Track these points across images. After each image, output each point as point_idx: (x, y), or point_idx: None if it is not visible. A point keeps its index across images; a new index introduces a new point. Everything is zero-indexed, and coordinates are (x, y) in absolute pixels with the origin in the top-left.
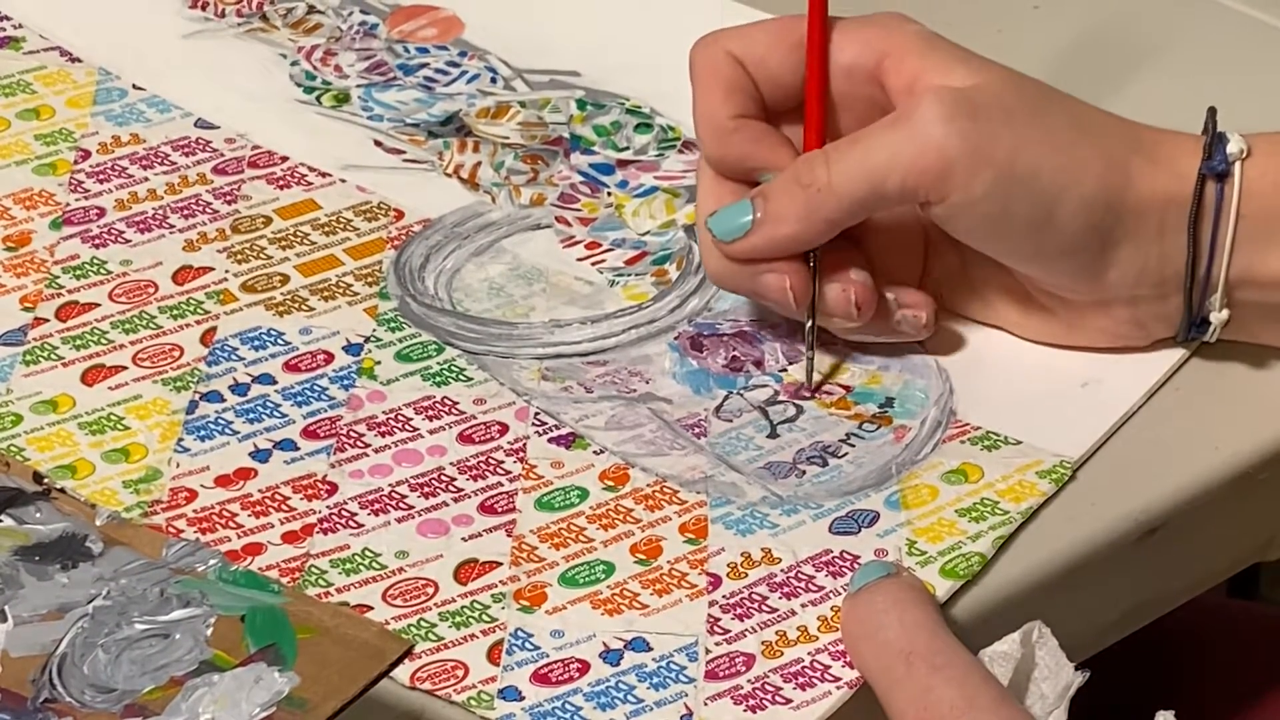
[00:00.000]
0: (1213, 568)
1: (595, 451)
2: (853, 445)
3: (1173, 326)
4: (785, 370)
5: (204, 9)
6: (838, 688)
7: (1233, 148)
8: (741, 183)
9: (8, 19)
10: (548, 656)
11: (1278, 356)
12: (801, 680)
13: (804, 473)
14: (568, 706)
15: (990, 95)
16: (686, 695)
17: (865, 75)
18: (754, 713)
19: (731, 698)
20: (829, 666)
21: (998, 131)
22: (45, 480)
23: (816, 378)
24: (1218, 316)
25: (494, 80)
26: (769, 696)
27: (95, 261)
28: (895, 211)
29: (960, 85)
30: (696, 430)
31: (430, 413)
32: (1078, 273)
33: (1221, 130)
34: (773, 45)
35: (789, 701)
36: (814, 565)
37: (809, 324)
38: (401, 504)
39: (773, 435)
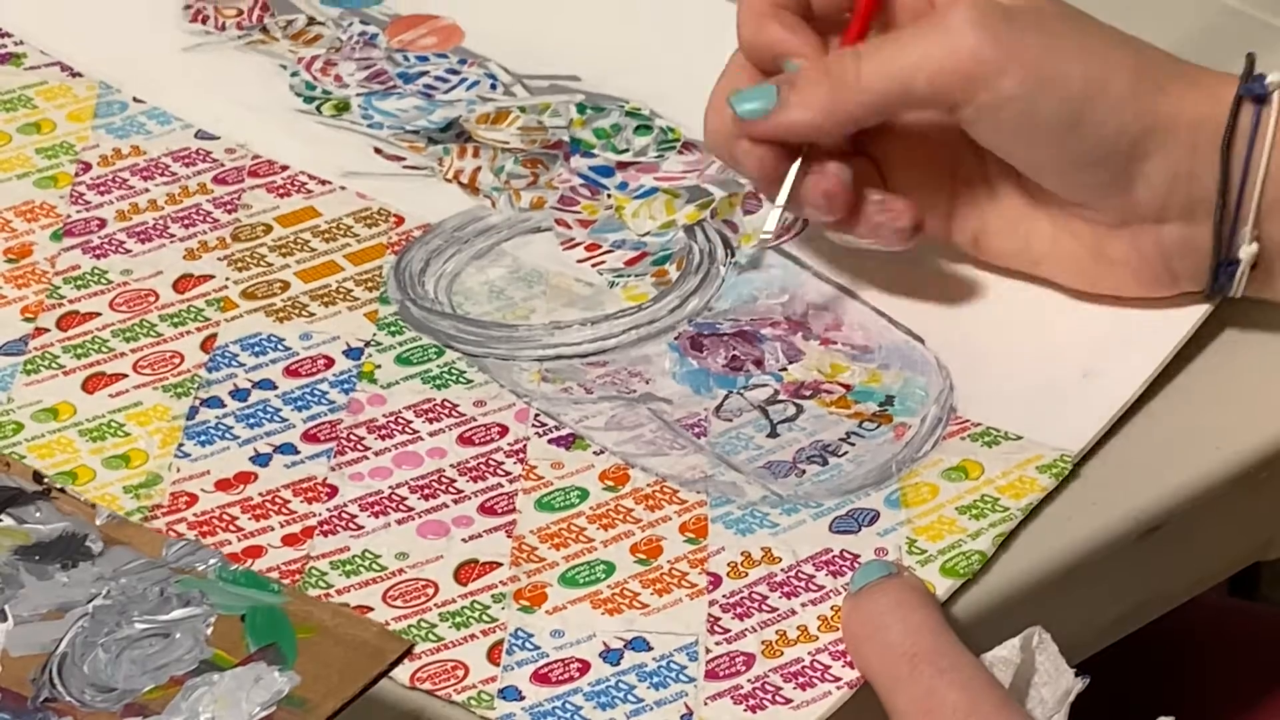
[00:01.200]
0: (1213, 568)
1: (595, 452)
2: (853, 444)
3: (1201, 268)
4: (785, 370)
5: (204, 22)
6: (838, 688)
7: (1273, 77)
8: (769, 74)
9: (8, 35)
10: (548, 656)
11: (1278, 356)
12: (802, 680)
13: (804, 472)
14: (568, 706)
15: (1028, 5)
16: (686, 695)
17: None
18: (754, 712)
19: (731, 697)
20: (829, 666)
21: (1030, 35)
22: (45, 480)
23: (815, 375)
24: (1247, 250)
25: (493, 86)
26: (769, 696)
27: (96, 271)
28: (924, 133)
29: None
30: (696, 430)
31: (430, 415)
32: (1106, 186)
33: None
34: None
35: (789, 701)
36: (814, 564)
37: (779, 210)
38: (401, 506)
39: (773, 435)
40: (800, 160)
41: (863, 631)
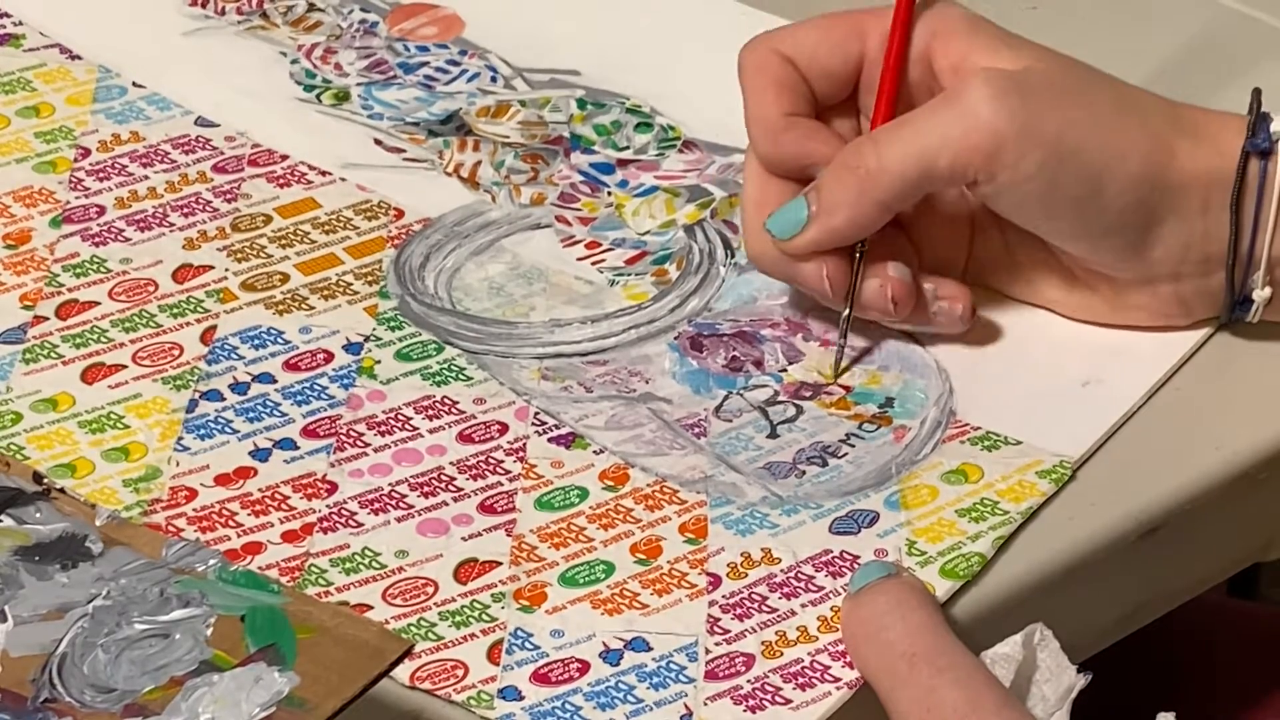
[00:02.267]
0: (1213, 568)
1: (595, 451)
2: (852, 445)
3: (1216, 305)
4: (785, 370)
5: (204, 6)
6: (837, 688)
7: (1276, 126)
8: (789, 180)
9: (8, 16)
10: (547, 656)
11: (1277, 357)
12: (801, 680)
13: (804, 473)
14: (567, 706)
15: (1037, 76)
16: (686, 695)
17: (915, 56)
18: (754, 713)
19: (731, 698)
20: (829, 667)
21: (1045, 111)
22: (45, 480)
23: (815, 376)
24: (1260, 294)
25: (494, 79)
26: (769, 697)
27: (95, 260)
28: (941, 193)
29: (1007, 67)
30: (696, 430)
31: (430, 412)
32: (1123, 250)
33: (1265, 110)
34: (821, 40)
35: (789, 702)
36: (814, 565)
37: (845, 312)
38: (401, 503)
39: (773, 435)
40: (858, 279)
41: (862, 631)
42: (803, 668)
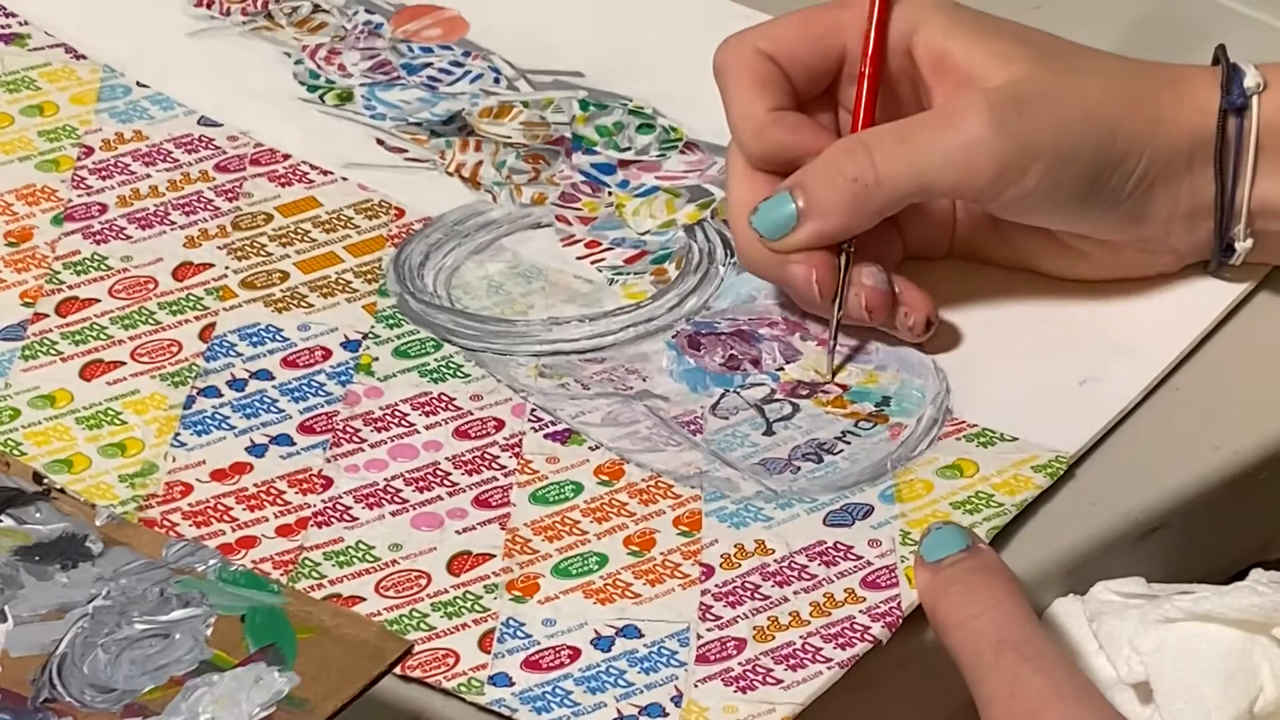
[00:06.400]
0: (1213, 568)
1: (591, 447)
2: (848, 443)
3: (1204, 251)
4: (782, 369)
5: (209, 7)
6: (829, 668)
7: (1249, 82)
8: (774, 175)
9: (14, 15)
10: (539, 644)
11: (1278, 356)
12: (793, 662)
13: (799, 469)
14: (558, 691)
15: (1029, 85)
16: (677, 678)
17: (894, 47)
18: (744, 693)
19: (722, 679)
20: (820, 648)
21: (1042, 122)
22: (45, 480)
23: (811, 375)
24: (1242, 245)
25: (497, 80)
26: (760, 678)
27: (96, 257)
28: None
29: (985, 55)
30: (692, 427)
31: (427, 408)
32: (1121, 220)
33: (1235, 62)
34: (799, 36)
35: (780, 682)
36: (807, 555)
37: (835, 313)
38: (396, 498)
39: (768, 433)
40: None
41: (952, 619)
42: (794, 650)
